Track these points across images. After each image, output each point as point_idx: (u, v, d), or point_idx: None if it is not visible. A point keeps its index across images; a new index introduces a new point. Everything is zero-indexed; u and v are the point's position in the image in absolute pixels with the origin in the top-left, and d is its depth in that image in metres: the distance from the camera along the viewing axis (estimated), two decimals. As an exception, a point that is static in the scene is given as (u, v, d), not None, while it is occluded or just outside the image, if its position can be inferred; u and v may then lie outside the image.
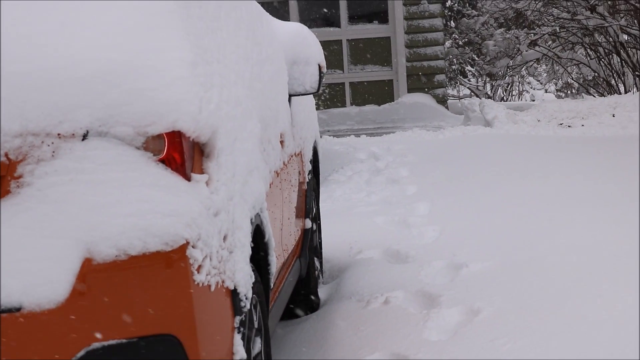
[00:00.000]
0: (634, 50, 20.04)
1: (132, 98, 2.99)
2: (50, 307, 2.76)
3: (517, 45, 21.78)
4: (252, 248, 3.54)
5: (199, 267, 2.96)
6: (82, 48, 3.01)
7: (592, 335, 4.51)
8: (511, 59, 21.86)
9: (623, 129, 12.97)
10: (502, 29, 23.45)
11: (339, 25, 16.80)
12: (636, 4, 17.96)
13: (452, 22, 24.73)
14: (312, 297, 5.88)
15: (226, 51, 3.68)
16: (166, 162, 3.00)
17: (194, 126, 3.06)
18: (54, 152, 2.90)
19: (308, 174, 5.96)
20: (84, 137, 2.94)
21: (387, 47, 16.95)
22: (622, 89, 19.93)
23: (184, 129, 3.03)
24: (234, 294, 3.27)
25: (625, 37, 20.10)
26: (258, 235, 3.75)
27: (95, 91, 2.97)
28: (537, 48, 21.17)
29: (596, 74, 20.91)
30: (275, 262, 4.00)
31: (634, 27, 19.55)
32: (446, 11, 23.56)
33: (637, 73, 19.50)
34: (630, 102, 14.76)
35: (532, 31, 22.00)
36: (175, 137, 3.01)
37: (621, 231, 6.51)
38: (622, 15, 20.10)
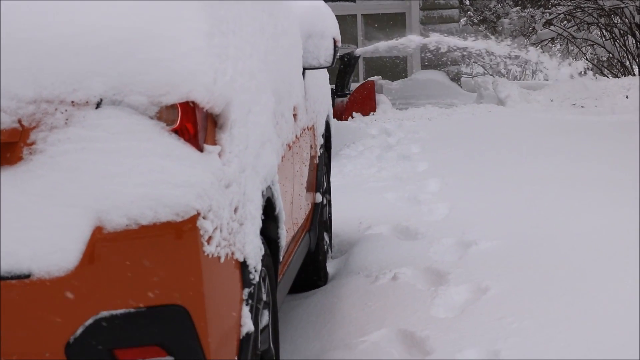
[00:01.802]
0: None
1: (147, 67, 2.98)
2: (60, 275, 2.76)
3: (533, 24, 21.68)
4: (262, 221, 3.53)
5: (209, 238, 2.96)
6: (98, 16, 3.00)
7: (599, 318, 4.51)
8: (526, 38, 21.75)
9: (636, 110, 12.93)
10: (518, 7, 23.33)
11: (354, 0, 16.75)
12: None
13: (467, -1, 24.60)
14: (321, 272, 5.88)
15: (242, 23, 3.66)
16: (179, 132, 3.00)
17: (208, 97, 3.06)
18: (67, 119, 2.89)
19: (320, 148, 5.95)
20: (98, 105, 2.93)
21: (402, 22, 16.91)
22: (636, 70, 19.83)
23: (198, 100, 3.02)
24: (243, 266, 3.27)
25: (641, 18, 19.98)
26: (269, 208, 3.75)
27: (110, 59, 2.96)
28: (552, 27, 21.06)
29: (611, 55, 20.79)
30: (285, 235, 4.00)
31: (651, 9, 19.44)
32: (462, -12, 23.42)
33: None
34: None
35: (547, 10, 21.88)
36: (189, 108, 3.01)
37: (633, 216, 6.49)
38: (639, -4, 19.97)
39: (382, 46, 15.00)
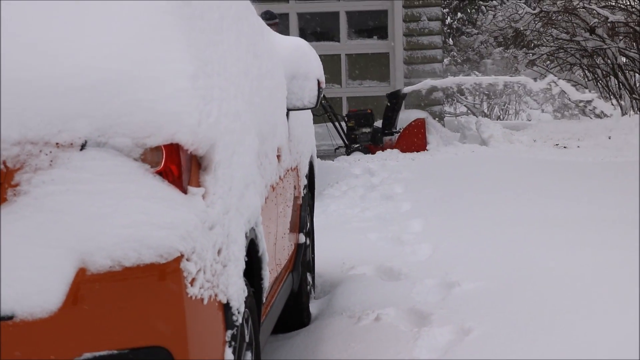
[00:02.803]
0: (632, 72, 20.11)
1: (132, 109, 2.99)
2: (43, 317, 2.76)
3: (516, 65, 21.85)
4: (246, 262, 3.54)
5: (193, 280, 2.96)
6: (84, 57, 3.02)
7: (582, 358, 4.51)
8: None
9: (619, 151, 13.02)
10: (501, 47, 23.51)
11: (338, 40, 16.84)
12: (635, 27, 18.01)
13: (451, 39, 24.78)
14: (304, 312, 5.88)
15: (227, 64, 3.68)
16: (163, 174, 3.01)
17: (193, 139, 3.07)
18: (51, 161, 2.90)
19: (303, 189, 5.96)
20: (83, 146, 2.94)
21: (386, 62, 16.99)
22: (619, 111, 19.97)
23: (183, 142, 3.04)
24: (226, 307, 3.28)
25: (624, 59, 20.17)
26: (252, 249, 3.76)
27: (95, 101, 2.97)
28: (535, 68, 21.22)
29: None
30: (268, 276, 4.00)
31: (632, 50, 19.62)
32: (445, 29, 23.60)
33: (634, 96, 19.54)
34: (626, 125, 14.80)
35: (530, 51, 22.05)
36: (173, 150, 3.02)
37: (615, 255, 6.53)
38: (621, 37, 20.16)
39: (429, 83, 15.08)
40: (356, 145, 14.24)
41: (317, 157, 13.50)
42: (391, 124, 14.58)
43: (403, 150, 13.97)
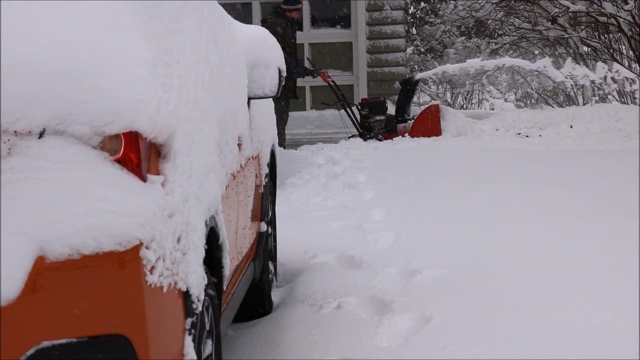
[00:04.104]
0: (593, 62, 20.25)
1: (91, 97, 2.99)
2: (1, 305, 2.75)
3: (478, 54, 21.94)
4: (206, 250, 3.54)
5: (152, 268, 2.96)
6: (42, 45, 3.01)
7: (543, 346, 4.55)
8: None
9: (580, 140, 13.14)
10: (464, 37, 23.60)
11: (301, 29, 16.84)
12: (597, 17, 18.14)
13: (414, 29, 24.83)
14: (266, 300, 5.89)
15: (186, 53, 3.68)
16: (122, 162, 3.01)
17: (152, 127, 3.07)
18: (10, 149, 2.89)
19: (265, 177, 5.97)
20: (41, 135, 2.93)
21: (349, 52, 17.02)
22: (580, 100, 20.14)
23: (142, 130, 3.04)
24: (186, 295, 3.28)
25: (585, 49, 20.32)
26: (212, 238, 3.76)
27: (54, 89, 2.97)
28: (498, 57, 21.32)
29: (555, 85, 21.10)
30: (228, 264, 4.01)
31: (594, 40, 19.76)
32: (408, 18, 23.65)
33: (595, 85, 19.68)
34: (587, 114, 14.92)
35: (493, 40, 22.16)
36: (132, 138, 3.02)
37: (576, 242, 6.59)
38: (582, 27, 20.30)
39: (443, 69, 15.11)
40: (371, 133, 14.30)
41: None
42: (404, 111, 14.63)
43: (417, 136, 14.02)
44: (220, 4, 5.26)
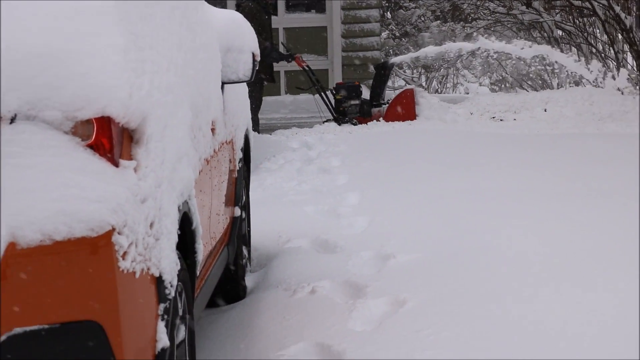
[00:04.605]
0: (567, 45, 20.32)
1: (62, 82, 2.99)
2: (-28, 291, 2.75)
3: (453, 38, 21.97)
4: (179, 235, 3.55)
5: (124, 253, 2.97)
6: (13, 31, 3.00)
7: (513, 331, 4.58)
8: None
9: (554, 123, 13.20)
10: (439, 21, 23.63)
11: (276, 14, 16.81)
12: (571, 0, 18.20)
13: (389, 13, 24.82)
14: (239, 285, 5.89)
15: (159, 37, 3.67)
16: (94, 147, 3.01)
17: (124, 112, 3.07)
18: (-20, 134, 2.88)
19: (239, 162, 5.96)
20: (12, 120, 2.93)
21: (324, 36, 17.00)
22: (554, 84, 20.22)
23: (114, 115, 3.04)
24: (159, 281, 3.28)
25: (560, 32, 20.38)
26: (185, 223, 3.76)
27: (25, 74, 2.97)
28: (472, 41, 21.36)
29: (530, 69, 21.18)
30: (202, 250, 4.01)
31: (568, 23, 19.82)
32: (383, 2, 23.64)
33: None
34: (562, 98, 14.97)
35: (468, 24, 22.20)
36: (105, 123, 3.02)
37: (550, 226, 6.63)
38: (557, 11, 20.37)
39: (420, 53, 15.13)
40: (345, 118, 14.31)
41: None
42: (379, 96, 14.65)
43: (392, 120, 14.03)
44: (194, -12, 5.24)
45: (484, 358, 4.30)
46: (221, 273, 5.34)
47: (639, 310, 4.65)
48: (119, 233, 2.93)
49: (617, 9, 16.24)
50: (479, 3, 21.27)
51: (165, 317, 3.33)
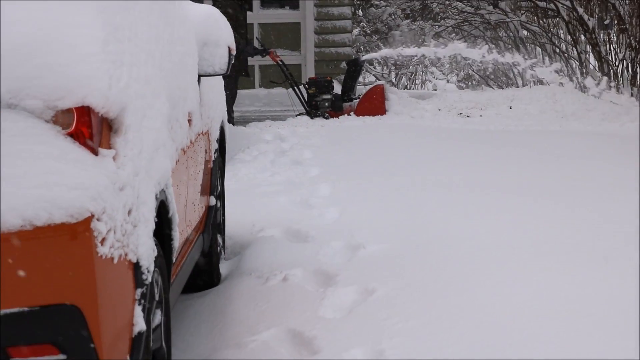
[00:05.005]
0: (532, 45, 20.50)
1: (43, 72, 3.05)
2: (-46, 275, 2.79)
3: (422, 37, 22.07)
4: (156, 223, 3.60)
5: (103, 239, 3.02)
6: (-6, 22, 3.05)
7: (481, 320, 4.66)
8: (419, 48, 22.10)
9: (518, 120, 13.38)
10: (409, 20, 23.73)
11: (251, 9, 16.84)
12: (536, 2, 18.37)
13: (360, 11, 24.88)
14: (214, 272, 5.97)
15: (138, 30, 3.73)
16: (74, 136, 3.07)
17: (103, 102, 3.14)
18: (-37, 122, 2.94)
19: (214, 153, 6.03)
20: (-6, 108, 2.97)
21: (297, 32, 17.06)
22: (519, 82, 20.38)
23: (94, 105, 3.10)
24: (136, 266, 3.34)
25: (525, 32, 20.57)
26: (162, 211, 3.81)
27: (7, 64, 3.02)
28: (441, 40, 21.47)
29: (496, 67, 21.31)
30: (178, 237, 4.07)
31: (533, 24, 20.01)
32: (355, 0, 23.71)
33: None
34: (526, 96, 15.14)
35: (437, 23, 22.30)
36: (85, 112, 3.08)
37: (514, 219, 6.74)
38: (522, 11, 20.56)
39: (388, 52, 15.24)
40: (318, 112, 14.40)
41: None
42: (350, 91, 14.74)
43: (362, 115, 14.13)
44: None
45: (450, 345, 4.40)
46: (196, 260, 5.41)
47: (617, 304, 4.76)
48: (97, 219, 2.99)
49: (581, 10, 16.47)
50: (447, 2, 21.40)
51: (142, 301, 3.40)
